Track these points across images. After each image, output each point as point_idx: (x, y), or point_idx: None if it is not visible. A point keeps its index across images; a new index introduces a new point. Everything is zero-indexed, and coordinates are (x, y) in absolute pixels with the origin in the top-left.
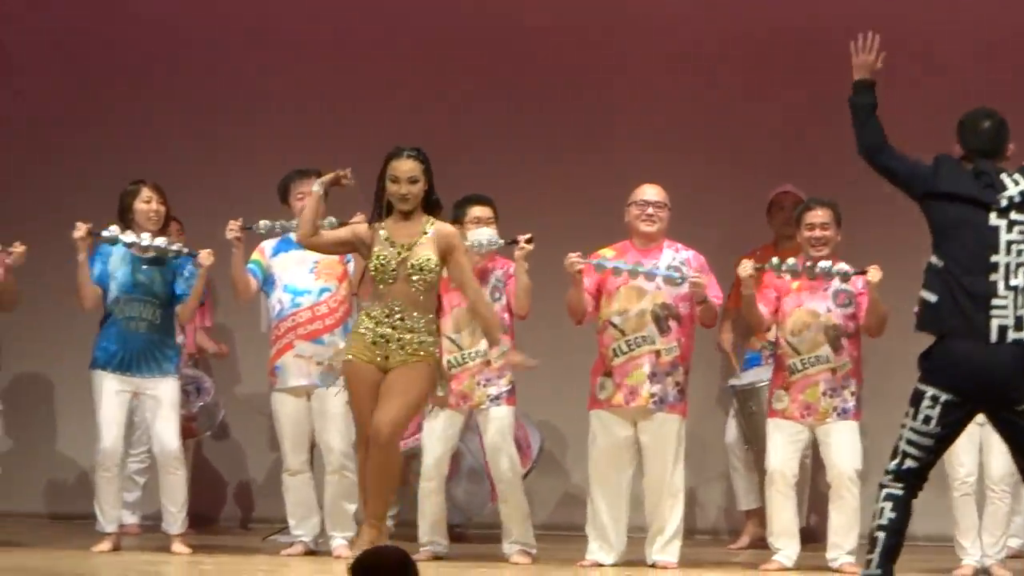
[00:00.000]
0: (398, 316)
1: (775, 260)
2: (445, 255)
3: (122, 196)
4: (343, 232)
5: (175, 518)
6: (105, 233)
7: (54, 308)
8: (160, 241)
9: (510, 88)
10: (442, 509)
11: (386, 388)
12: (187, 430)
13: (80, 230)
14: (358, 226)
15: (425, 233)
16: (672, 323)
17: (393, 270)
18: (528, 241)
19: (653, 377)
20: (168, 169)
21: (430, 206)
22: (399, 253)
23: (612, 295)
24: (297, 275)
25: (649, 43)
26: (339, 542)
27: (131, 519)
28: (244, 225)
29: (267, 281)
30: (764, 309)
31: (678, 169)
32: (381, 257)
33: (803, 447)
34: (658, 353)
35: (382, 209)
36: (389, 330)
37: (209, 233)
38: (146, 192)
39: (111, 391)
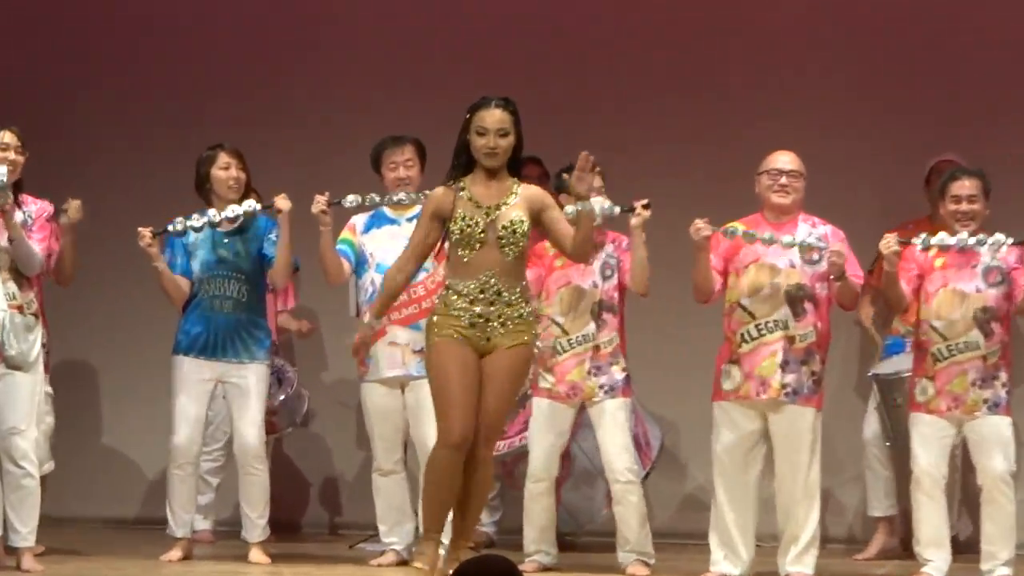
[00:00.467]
0: (494, 289)
1: (924, 236)
2: (537, 216)
3: (198, 164)
4: (424, 224)
5: (255, 524)
6: (170, 227)
7: (98, 291)
8: (229, 211)
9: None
10: (552, 515)
11: (489, 385)
12: (268, 425)
13: (144, 238)
14: (434, 199)
15: (514, 194)
16: (807, 305)
17: (481, 233)
18: (645, 207)
19: (786, 366)
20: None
21: (516, 168)
22: (487, 215)
23: (741, 273)
24: (391, 253)
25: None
26: None
27: (203, 525)
28: (331, 200)
29: (359, 261)
30: (905, 287)
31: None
32: (465, 219)
33: (951, 444)
34: (792, 339)
35: (461, 168)
36: (488, 307)
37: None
38: (223, 158)
39: (193, 379)
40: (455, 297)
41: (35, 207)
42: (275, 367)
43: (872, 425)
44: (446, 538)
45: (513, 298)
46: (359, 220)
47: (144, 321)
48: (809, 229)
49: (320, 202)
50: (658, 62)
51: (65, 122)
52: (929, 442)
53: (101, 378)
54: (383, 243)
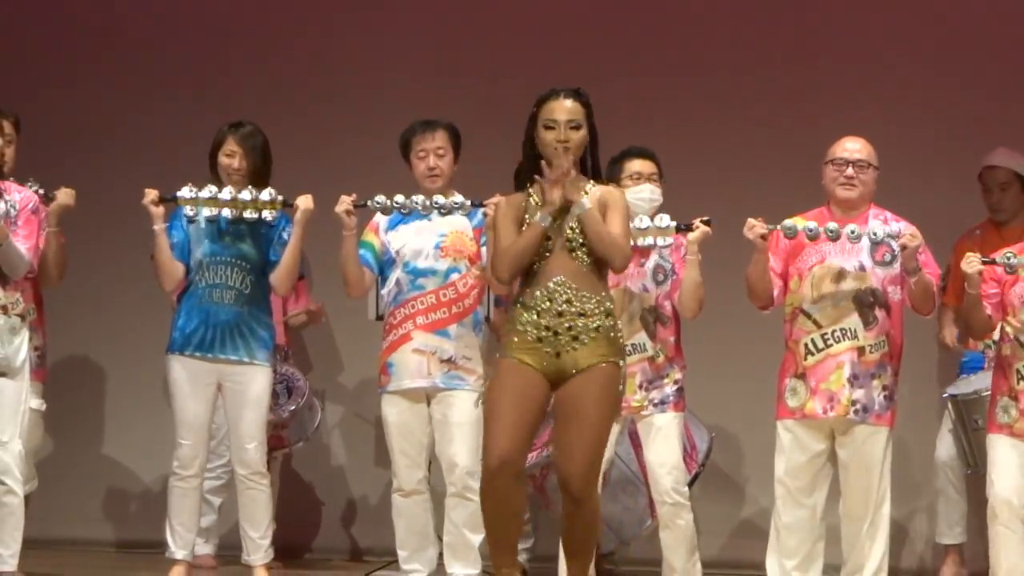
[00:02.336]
0: (563, 299)
1: (1007, 252)
2: (603, 216)
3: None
4: (507, 229)
5: (257, 545)
6: (179, 195)
7: (93, 286)
8: (245, 194)
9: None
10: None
11: (565, 417)
12: (275, 439)
13: (149, 195)
14: (510, 204)
15: (586, 194)
16: (880, 313)
17: (549, 240)
18: (706, 223)
19: (855, 380)
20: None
21: (592, 167)
22: (555, 219)
23: (804, 276)
24: (420, 252)
25: None
26: None
27: (205, 548)
28: (358, 201)
29: (384, 261)
30: (988, 311)
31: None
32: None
33: None
34: (861, 350)
35: (533, 169)
36: (556, 318)
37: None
38: (230, 144)
39: (191, 380)
40: (522, 310)
41: (19, 196)
42: (284, 375)
43: (946, 446)
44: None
45: (588, 307)
46: (382, 218)
47: (141, 322)
48: (881, 225)
49: (345, 202)
50: (699, 40)
51: (59, 108)
52: (1010, 467)
53: (91, 385)
54: (410, 240)
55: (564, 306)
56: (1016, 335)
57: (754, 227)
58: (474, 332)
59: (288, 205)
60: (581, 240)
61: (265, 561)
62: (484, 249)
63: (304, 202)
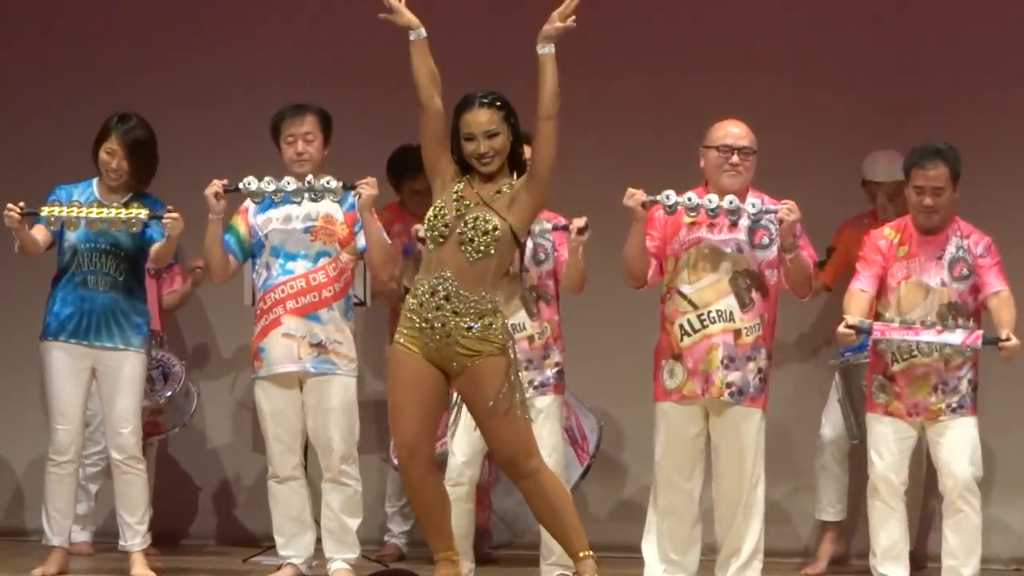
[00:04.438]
0: (443, 295)
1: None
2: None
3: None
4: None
5: (135, 531)
6: (241, 186)
7: None
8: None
9: None
10: (470, 523)
11: (475, 417)
12: (151, 425)
13: (213, 187)
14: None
15: (500, 192)
16: (756, 295)
17: (445, 226)
18: (581, 231)
19: (731, 362)
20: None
21: (518, 165)
22: (458, 209)
23: (680, 257)
24: (289, 236)
25: None
26: (339, 565)
27: (81, 536)
28: (228, 186)
29: (254, 244)
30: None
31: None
32: (439, 207)
33: (911, 448)
34: (738, 332)
35: (462, 169)
36: (434, 312)
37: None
38: (111, 140)
39: (66, 366)
40: (410, 297)
41: None
42: (160, 361)
43: (832, 422)
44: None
45: (462, 308)
46: (253, 207)
47: (9, 305)
48: (758, 203)
49: (216, 185)
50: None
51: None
52: (888, 445)
53: None
54: (279, 225)
55: (442, 302)
56: (892, 317)
57: (634, 195)
58: (345, 317)
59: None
60: (472, 236)
61: (143, 547)
62: (360, 235)
63: (173, 228)
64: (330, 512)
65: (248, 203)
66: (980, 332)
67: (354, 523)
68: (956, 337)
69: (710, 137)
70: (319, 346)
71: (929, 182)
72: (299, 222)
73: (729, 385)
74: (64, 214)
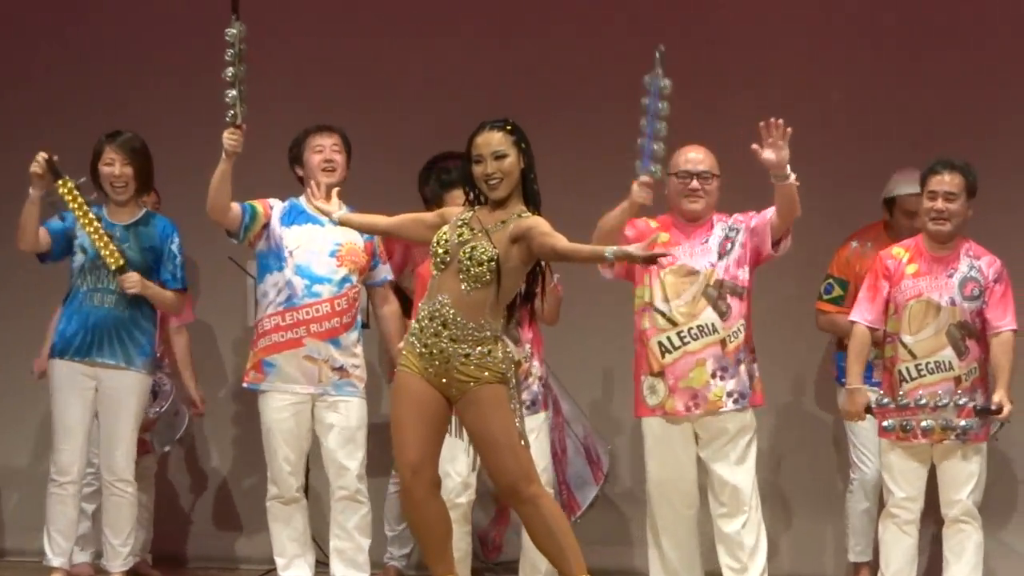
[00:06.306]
0: (441, 321)
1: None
2: (518, 241)
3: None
4: (422, 217)
5: (117, 553)
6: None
7: None
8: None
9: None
10: (468, 544)
11: (475, 444)
12: (139, 443)
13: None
14: (444, 212)
15: (503, 222)
16: (732, 301)
17: (446, 252)
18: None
19: (725, 372)
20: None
21: (530, 196)
22: (460, 235)
23: (655, 276)
24: (316, 257)
25: None
26: None
27: (81, 557)
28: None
29: (276, 255)
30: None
31: None
32: (442, 234)
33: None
34: (723, 342)
35: (477, 200)
36: (433, 338)
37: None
38: (108, 152)
39: (70, 385)
40: (415, 322)
41: None
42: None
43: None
44: None
45: (460, 335)
46: (278, 208)
47: (9, 320)
48: (724, 226)
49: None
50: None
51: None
52: (902, 468)
53: None
54: (305, 242)
55: (440, 328)
56: (900, 336)
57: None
58: (359, 340)
59: (119, 270)
60: (468, 265)
61: (124, 569)
62: (379, 268)
63: (131, 286)
64: (344, 532)
65: (275, 203)
66: (971, 405)
67: (367, 543)
68: (951, 413)
69: (671, 164)
70: (340, 370)
71: (943, 187)
72: (325, 244)
73: (730, 394)
74: (78, 199)
